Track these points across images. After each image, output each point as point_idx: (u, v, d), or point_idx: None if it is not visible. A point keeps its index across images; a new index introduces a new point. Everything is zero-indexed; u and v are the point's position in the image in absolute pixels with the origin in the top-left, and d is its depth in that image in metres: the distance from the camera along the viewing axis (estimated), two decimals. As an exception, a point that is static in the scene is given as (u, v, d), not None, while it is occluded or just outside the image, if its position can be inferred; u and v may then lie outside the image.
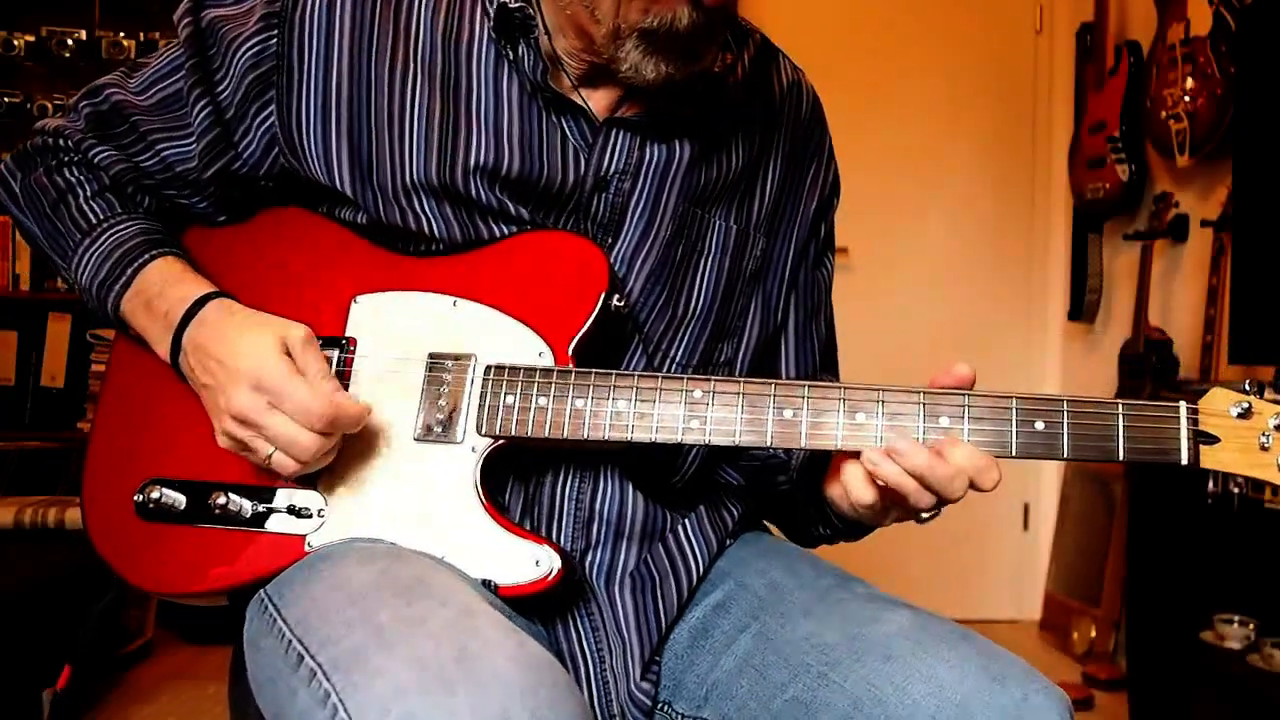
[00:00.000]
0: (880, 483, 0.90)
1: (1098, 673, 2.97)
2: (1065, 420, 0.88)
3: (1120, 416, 0.88)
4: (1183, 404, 0.88)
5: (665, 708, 1.02)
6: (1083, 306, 3.42)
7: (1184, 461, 0.87)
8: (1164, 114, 2.85)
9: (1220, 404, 0.88)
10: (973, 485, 0.89)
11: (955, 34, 3.60)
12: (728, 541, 1.12)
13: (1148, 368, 2.92)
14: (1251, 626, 2.21)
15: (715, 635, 1.02)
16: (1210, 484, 2.19)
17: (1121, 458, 0.88)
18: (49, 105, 3.26)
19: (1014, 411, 0.89)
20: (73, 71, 3.34)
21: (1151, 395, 2.45)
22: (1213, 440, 0.88)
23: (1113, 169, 3.12)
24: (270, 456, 0.92)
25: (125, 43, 3.26)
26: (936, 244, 3.63)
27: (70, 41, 3.26)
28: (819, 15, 3.58)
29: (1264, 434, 0.87)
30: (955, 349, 3.38)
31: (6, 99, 3.28)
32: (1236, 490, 2.15)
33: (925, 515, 0.92)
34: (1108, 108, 3.14)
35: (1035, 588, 3.56)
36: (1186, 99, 2.75)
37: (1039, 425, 0.89)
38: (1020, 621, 3.57)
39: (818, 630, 0.95)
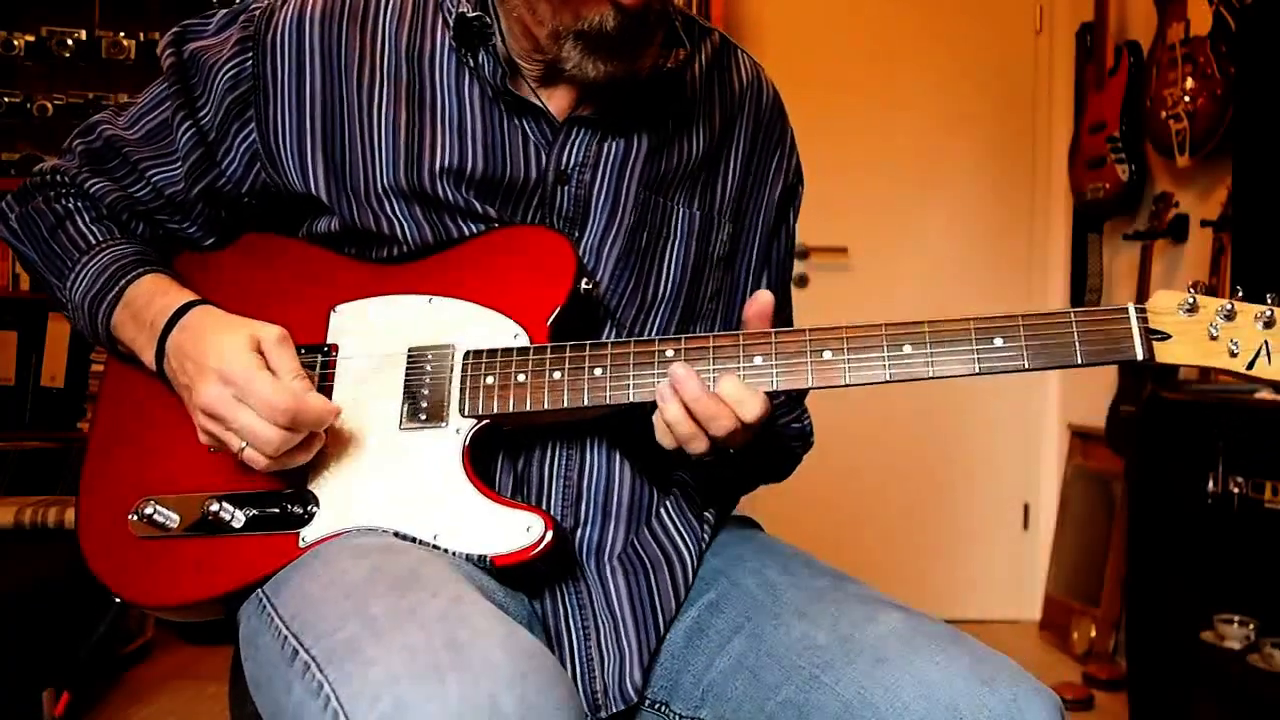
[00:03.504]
0: (666, 417, 0.94)
1: (1098, 673, 2.97)
2: (1022, 333, 0.92)
3: (1074, 324, 0.92)
4: (1131, 305, 0.92)
5: (662, 708, 1.03)
6: (1083, 306, 3.41)
7: (1140, 358, 0.91)
8: (1164, 114, 2.85)
9: (1167, 303, 0.92)
10: (736, 415, 0.93)
11: (955, 34, 3.60)
12: (707, 515, 1.13)
13: (1147, 367, 2.91)
14: (1251, 626, 2.21)
15: (710, 635, 1.03)
16: (1210, 484, 2.19)
17: (1080, 361, 0.91)
18: (49, 105, 3.26)
19: (973, 332, 0.93)
20: (73, 71, 3.34)
21: (1152, 395, 2.45)
22: (1165, 337, 0.92)
23: (1113, 169, 3.12)
24: (243, 450, 0.95)
25: (125, 43, 3.26)
26: (936, 244, 3.63)
27: (70, 41, 3.26)
28: (819, 16, 3.58)
29: (1212, 324, 0.91)
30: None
31: (6, 99, 3.28)
32: (1236, 490, 2.16)
33: (694, 448, 0.94)
34: (1108, 108, 3.14)
35: (1035, 588, 3.56)
36: (1186, 99, 2.75)
37: (998, 341, 0.92)
38: (1020, 622, 3.57)
39: (810, 631, 0.96)
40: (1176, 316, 0.92)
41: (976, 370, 0.92)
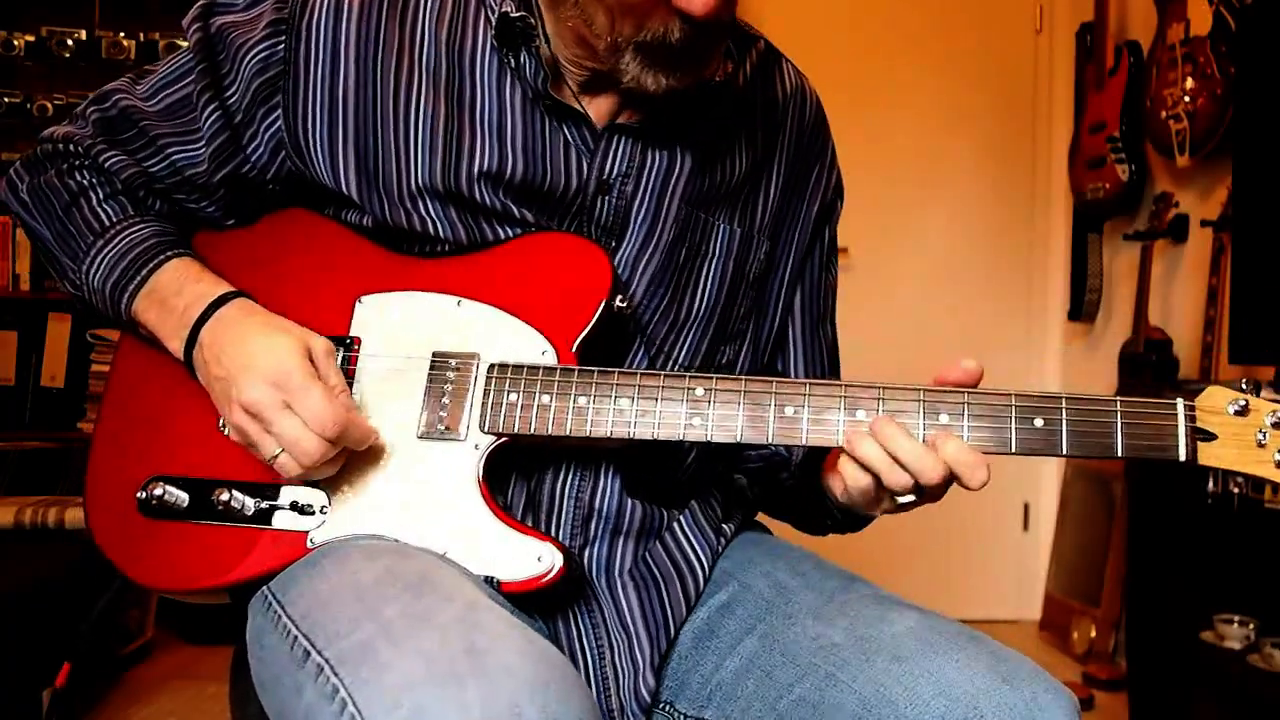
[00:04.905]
0: (861, 462, 0.91)
1: (1098, 673, 2.97)
2: (1064, 417, 0.90)
3: (1118, 414, 0.89)
4: (1180, 401, 0.89)
5: (668, 708, 1.02)
6: (1083, 306, 3.42)
7: (1182, 458, 0.88)
8: (1164, 114, 2.85)
9: (1218, 401, 0.89)
10: (957, 481, 0.90)
11: (955, 34, 3.60)
12: (725, 528, 1.12)
13: (1148, 368, 2.92)
14: (1251, 626, 2.21)
15: (721, 636, 1.02)
16: (1210, 484, 2.19)
17: (1120, 454, 0.89)
18: (49, 105, 3.26)
19: (1013, 409, 0.90)
20: (73, 71, 3.34)
21: (1151, 395, 2.46)
22: (1210, 437, 0.89)
23: (1113, 169, 3.12)
24: (276, 456, 0.93)
25: (125, 43, 3.26)
26: (936, 244, 3.63)
27: (70, 41, 3.25)
28: (819, 15, 3.58)
29: (1261, 430, 0.88)
30: (955, 349, 3.38)
31: (6, 99, 3.27)
32: (1236, 490, 2.15)
33: (903, 500, 0.93)
34: (1108, 108, 3.14)
35: (1035, 588, 3.56)
36: (1186, 99, 2.75)
37: (1038, 422, 0.90)
38: (1020, 621, 3.57)
39: (825, 631, 0.95)
40: (1225, 416, 0.89)
41: (1012, 450, 0.90)
